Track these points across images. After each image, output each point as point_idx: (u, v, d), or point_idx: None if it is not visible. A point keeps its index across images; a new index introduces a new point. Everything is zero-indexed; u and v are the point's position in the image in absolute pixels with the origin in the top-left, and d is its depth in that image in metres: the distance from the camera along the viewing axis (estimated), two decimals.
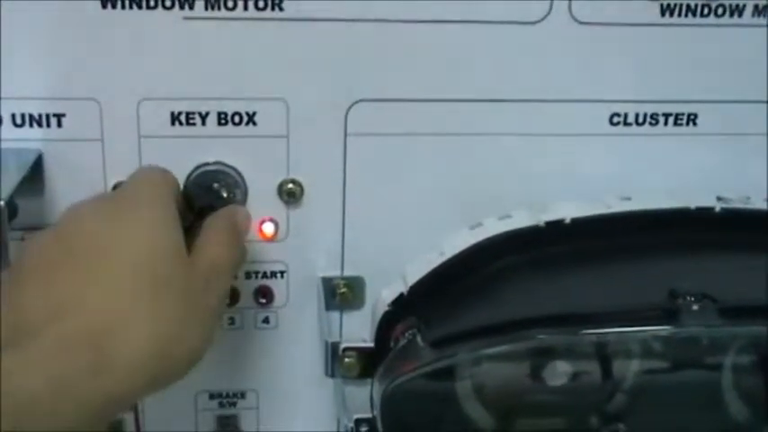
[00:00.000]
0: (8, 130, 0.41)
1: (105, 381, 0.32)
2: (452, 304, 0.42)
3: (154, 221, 0.36)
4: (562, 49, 0.42)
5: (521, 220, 0.42)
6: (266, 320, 0.46)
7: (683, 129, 0.44)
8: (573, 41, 0.42)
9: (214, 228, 0.39)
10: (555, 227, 0.42)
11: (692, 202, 0.43)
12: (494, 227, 0.43)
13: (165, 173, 0.40)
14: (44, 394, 0.30)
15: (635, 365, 0.44)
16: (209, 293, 0.37)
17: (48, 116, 0.41)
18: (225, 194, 0.42)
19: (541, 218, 0.42)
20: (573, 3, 0.41)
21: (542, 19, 0.42)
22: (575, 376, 0.44)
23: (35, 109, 0.41)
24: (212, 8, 0.40)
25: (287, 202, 0.43)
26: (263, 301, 0.45)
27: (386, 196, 0.44)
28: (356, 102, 0.42)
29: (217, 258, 0.38)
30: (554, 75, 0.43)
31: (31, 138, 0.41)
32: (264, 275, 0.45)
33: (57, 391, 0.31)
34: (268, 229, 0.44)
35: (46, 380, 0.31)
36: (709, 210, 0.43)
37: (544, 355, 0.44)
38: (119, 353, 0.32)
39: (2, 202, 0.37)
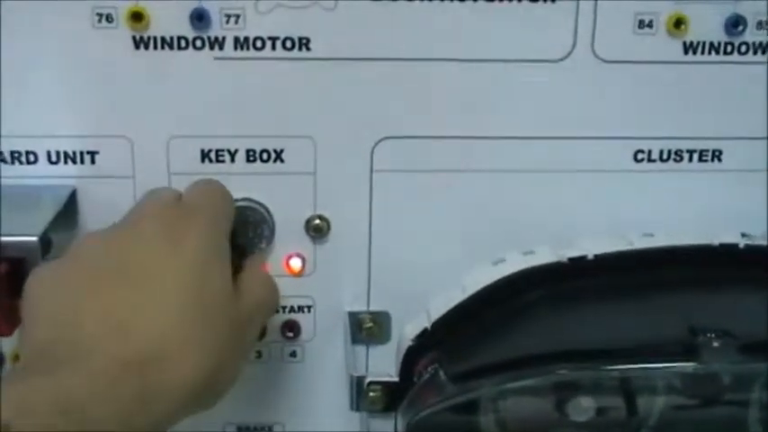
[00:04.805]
0: (43, 167, 0.42)
1: (150, 405, 0.32)
2: (476, 339, 0.42)
3: (208, 251, 0.36)
4: (585, 87, 0.43)
5: (544, 255, 0.43)
6: (293, 354, 0.46)
7: (708, 165, 0.45)
8: (596, 79, 0.43)
9: (260, 268, 0.40)
10: (578, 263, 0.42)
11: (716, 239, 0.43)
12: (517, 262, 0.43)
13: (226, 197, 0.41)
14: (94, 412, 0.30)
15: (660, 402, 0.44)
16: (250, 330, 0.38)
17: (81, 153, 0.43)
18: (252, 230, 0.43)
19: (564, 254, 0.42)
20: (596, 41, 0.42)
21: (565, 57, 0.42)
22: (599, 411, 0.44)
23: (69, 146, 0.42)
24: (241, 48, 0.41)
25: (314, 238, 0.44)
26: (290, 334, 0.46)
27: (411, 232, 0.44)
28: (382, 139, 0.43)
29: (262, 299, 0.39)
30: (577, 112, 0.43)
31: (66, 174, 0.43)
32: (291, 310, 0.45)
33: (105, 412, 0.31)
34: (295, 264, 0.44)
35: (99, 400, 0.31)
36: (733, 246, 0.43)
37: (568, 389, 0.44)
38: (167, 379, 0.33)
39: (35, 238, 0.38)
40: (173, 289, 0.34)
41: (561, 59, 0.42)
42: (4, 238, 0.38)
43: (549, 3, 0.41)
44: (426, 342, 0.43)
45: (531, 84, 0.42)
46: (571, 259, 0.42)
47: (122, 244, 0.36)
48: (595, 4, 0.42)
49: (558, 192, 0.44)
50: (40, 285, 0.36)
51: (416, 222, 0.44)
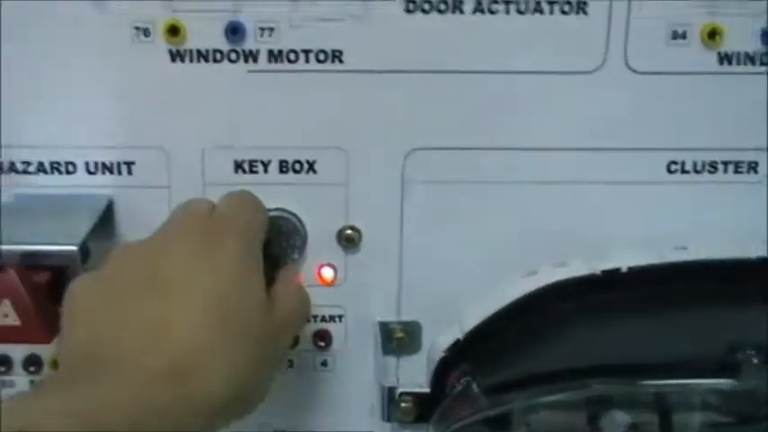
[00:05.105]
0: (81, 177, 0.43)
1: (184, 415, 0.32)
2: (508, 351, 0.42)
3: (242, 262, 0.37)
4: (618, 98, 0.43)
5: (577, 268, 0.42)
6: (324, 363, 0.47)
7: (743, 177, 0.44)
8: (629, 90, 0.42)
9: (293, 279, 0.41)
10: (611, 275, 0.42)
11: (754, 252, 0.43)
12: (549, 274, 0.43)
13: (259, 209, 0.41)
14: (126, 422, 0.31)
15: (696, 418, 0.43)
16: (283, 341, 0.39)
17: (118, 164, 0.43)
18: (285, 240, 0.44)
19: (598, 266, 0.42)
20: (629, 53, 0.42)
21: (598, 68, 0.42)
22: (633, 427, 0.44)
23: (106, 157, 0.43)
24: (275, 61, 0.42)
25: (345, 248, 0.44)
26: (322, 344, 0.46)
27: (442, 242, 0.44)
28: (413, 150, 0.43)
29: (295, 310, 0.40)
30: (610, 123, 0.43)
31: (103, 184, 0.43)
32: (323, 319, 0.46)
33: (139, 421, 0.31)
34: (327, 273, 0.45)
35: (133, 410, 0.31)
36: None
37: (601, 404, 0.43)
38: (200, 390, 0.33)
39: (75, 247, 0.39)
40: (207, 301, 0.35)
41: (594, 71, 0.42)
42: (45, 247, 0.39)
43: (581, 15, 0.41)
44: (459, 353, 0.43)
45: (563, 95, 0.42)
46: (605, 272, 0.42)
47: (158, 255, 0.37)
48: (628, 16, 0.42)
49: (591, 203, 0.44)
50: (79, 294, 0.36)
51: (448, 233, 0.44)
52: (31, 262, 0.39)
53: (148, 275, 0.36)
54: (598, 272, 0.42)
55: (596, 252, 0.43)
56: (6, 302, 0.38)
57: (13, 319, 0.38)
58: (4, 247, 0.39)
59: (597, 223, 0.44)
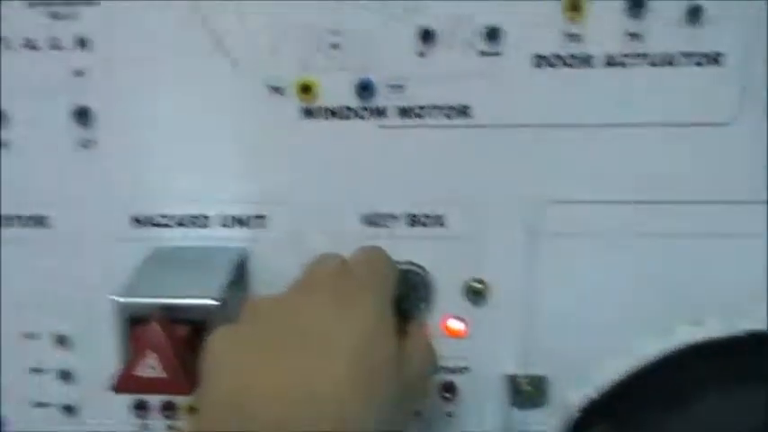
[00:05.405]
0: (216, 230, 0.45)
1: None
2: (644, 412, 0.41)
3: (377, 319, 0.37)
4: (754, 149, 0.41)
5: (713, 327, 0.41)
6: (450, 414, 0.47)
7: None
8: (766, 141, 0.41)
9: (423, 333, 0.41)
10: (756, 337, 0.40)
11: None
12: (686, 333, 0.42)
13: (390, 265, 0.42)
14: None
15: None
16: (414, 395, 0.39)
17: (251, 218, 0.45)
18: (413, 293, 0.44)
19: (736, 324, 0.41)
20: (766, 103, 0.41)
21: (733, 120, 0.41)
22: None
23: (239, 211, 0.45)
24: (405, 116, 0.43)
25: (473, 301, 0.44)
26: (448, 395, 0.46)
27: (573, 297, 0.44)
28: (544, 203, 0.43)
29: (426, 364, 0.40)
30: (746, 175, 0.42)
31: (236, 237, 0.45)
32: (449, 371, 0.46)
33: None
34: (454, 326, 0.45)
35: None
36: None
37: None
38: None
39: (215, 302, 0.40)
40: (348, 358, 0.35)
41: (729, 122, 0.41)
42: (186, 301, 0.40)
43: (715, 66, 0.41)
44: (592, 412, 0.42)
45: (698, 147, 0.42)
46: (749, 333, 0.40)
47: (295, 311, 0.37)
48: (766, 66, 0.41)
49: (727, 258, 0.43)
50: (219, 348, 0.37)
51: (579, 287, 0.44)
52: (171, 315, 0.40)
53: (287, 331, 0.37)
54: (742, 333, 0.41)
55: (734, 309, 0.42)
56: (152, 355, 0.39)
57: (158, 372, 0.39)
58: (147, 300, 0.40)
59: (735, 278, 0.43)
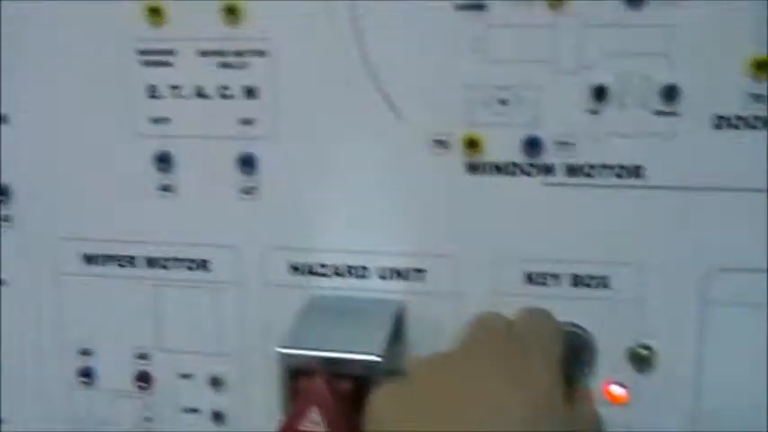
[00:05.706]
0: (374, 281, 0.45)
1: None
2: None
3: (548, 386, 0.36)
4: None
5: None
6: None
7: None
8: None
9: (590, 400, 0.40)
10: None
11: None
12: None
13: (557, 328, 0.40)
14: None
15: None
16: None
17: (410, 271, 0.45)
18: (575, 356, 0.43)
19: None
20: None
21: None
22: None
23: (398, 263, 0.45)
24: (573, 175, 0.42)
25: (638, 367, 0.43)
26: None
27: (744, 367, 0.42)
28: (717, 270, 0.41)
29: None
30: None
31: (393, 290, 0.45)
32: None
33: None
34: (616, 392, 0.43)
35: None
36: None
37: None
38: None
39: (379, 358, 0.40)
40: (518, 426, 0.34)
41: None
42: (349, 356, 0.40)
43: None
44: None
45: None
46: None
47: (461, 374, 0.37)
48: None
49: None
50: (385, 408, 0.37)
51: (750, 358, 0.42)
52: (333, 368, 0.40)
53: (454, 395, 0.36)
54: None
55: None
56: (315, 410, 0.39)
57: (322, 427, 0.39)
58: (311, 353, 0.41)
59: None
